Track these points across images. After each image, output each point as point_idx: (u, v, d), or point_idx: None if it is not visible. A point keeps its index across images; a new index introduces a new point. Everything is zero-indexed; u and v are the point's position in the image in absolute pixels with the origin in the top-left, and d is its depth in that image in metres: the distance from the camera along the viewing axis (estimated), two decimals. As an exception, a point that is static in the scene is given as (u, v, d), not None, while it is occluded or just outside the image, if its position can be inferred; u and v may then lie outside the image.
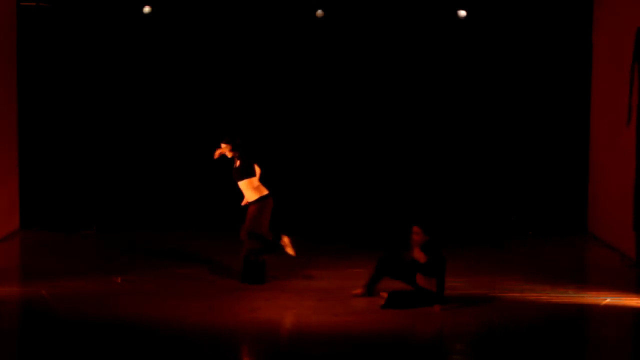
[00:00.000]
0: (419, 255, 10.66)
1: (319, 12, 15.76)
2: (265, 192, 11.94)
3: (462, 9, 15.75)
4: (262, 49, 16.10)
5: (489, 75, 16.01)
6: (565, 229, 15.49)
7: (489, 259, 13.25)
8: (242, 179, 11.92)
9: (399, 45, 16.12)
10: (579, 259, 14.11)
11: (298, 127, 16.24)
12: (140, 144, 16.10)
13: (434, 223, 10.94)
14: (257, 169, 12.08)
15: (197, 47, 16.05)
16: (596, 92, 15.38)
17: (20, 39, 15.43)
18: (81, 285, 11.50)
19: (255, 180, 11.97)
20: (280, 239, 12.03)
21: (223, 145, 12.06)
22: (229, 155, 12.05)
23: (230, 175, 12.06)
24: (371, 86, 16.22)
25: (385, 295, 10.70)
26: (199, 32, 16.02)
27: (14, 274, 12.84)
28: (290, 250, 12.01)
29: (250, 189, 11.91)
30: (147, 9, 15.65)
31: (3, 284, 11.61)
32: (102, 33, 15.79)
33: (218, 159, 12.16)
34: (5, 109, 14.89)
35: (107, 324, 9.82)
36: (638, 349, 9.25)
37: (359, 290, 11.09)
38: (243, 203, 12.11)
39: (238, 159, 11.97)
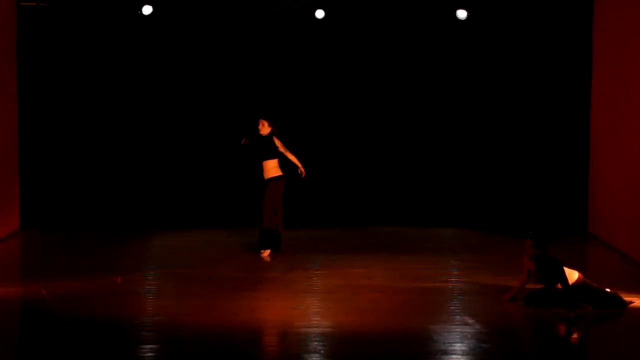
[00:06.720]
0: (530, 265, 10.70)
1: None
2: (281, 172, 13.10)
3: (462, 9, 15.74)
4: (262, 48, 16.11)
5: (489, 75, 16.02)
6: (565, 229, 15.46)
7: (489, 259, 13.24)
8: (271, 158, 12.94)
9: (399, 45, 16.14)
10: (577, 258, 14.08)
11: (298, 127, 16.24)
12: (140, 144, 16.10)
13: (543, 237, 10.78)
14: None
15: (196, 47, 16.06)
16: (596, 92, 15.37)
17: (20, 39, 15.42)
18: (81, 285, 11.49)
19: (277, 160, 13.06)
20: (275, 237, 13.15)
21: (264, 122, 12.92)
22: (266, 132, 12.77)
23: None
24: (371, 87, 16.22)
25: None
26: (198, 32, 16.02)
27: (14, 273, 12.84)
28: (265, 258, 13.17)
29: (273, 168, 13.01)
30: (147, 10, 15.65)
31: (3, 284, 11.61)
32: (101, 33, 15.79)
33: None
34: (5, 108, 14.88)
35: (107, 324, 9.82)
36: (637, 348, 9.25)
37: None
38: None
39: (269, 138, 12.93)
